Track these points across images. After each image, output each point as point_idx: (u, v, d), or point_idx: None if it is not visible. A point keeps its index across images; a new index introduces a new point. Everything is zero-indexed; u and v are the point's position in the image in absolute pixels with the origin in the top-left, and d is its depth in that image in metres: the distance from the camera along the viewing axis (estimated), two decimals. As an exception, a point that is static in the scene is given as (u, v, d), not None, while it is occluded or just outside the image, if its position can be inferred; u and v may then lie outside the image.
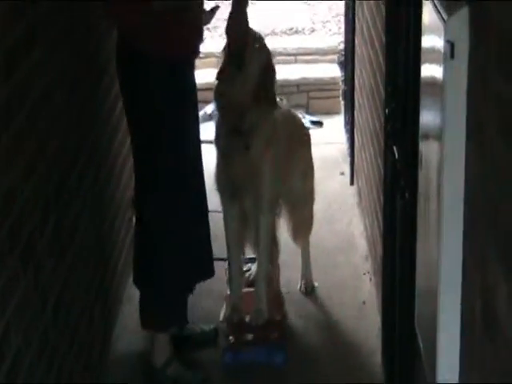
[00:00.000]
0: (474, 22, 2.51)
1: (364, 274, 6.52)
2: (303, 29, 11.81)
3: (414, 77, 3.59)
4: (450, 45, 2.53)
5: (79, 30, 5.00)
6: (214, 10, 5.23)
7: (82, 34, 5.11)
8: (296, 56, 10.91)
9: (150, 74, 4.93)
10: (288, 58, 10.85)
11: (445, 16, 2.58)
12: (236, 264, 5.64)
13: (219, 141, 5.50)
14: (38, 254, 3.98)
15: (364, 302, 6.21)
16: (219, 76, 5.38)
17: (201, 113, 9.30)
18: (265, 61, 5.46)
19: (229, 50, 5.37)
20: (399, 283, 4.25)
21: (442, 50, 2.59)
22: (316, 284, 6.22)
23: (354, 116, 7.99)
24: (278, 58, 10.81)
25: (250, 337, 5.42)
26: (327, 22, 11.09)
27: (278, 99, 5.65)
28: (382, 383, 5.17)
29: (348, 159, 8.17)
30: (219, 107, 5.46)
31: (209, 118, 8.39)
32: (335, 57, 10.05)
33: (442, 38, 2.58)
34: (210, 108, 8.15)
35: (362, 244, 6.91)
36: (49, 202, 4.24)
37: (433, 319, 2.82)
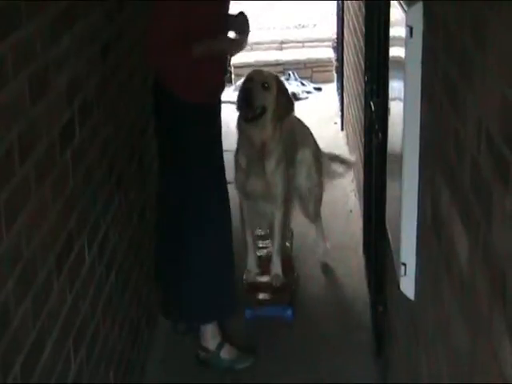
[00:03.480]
0: (426, 12, 2.50)
1: (351, 191, 6.52)
2: (308, 24, 11.76)
3: (384, 54, 3.56)
4: (410, 28, 2.52)
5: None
6: (243, 36, 4.24)
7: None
8: (303, 43, 10.89)
9: (184, 112, 4.09)
10: (297, 44, 10.87)
11: (406, 8, 2.56)
12: (251, 241, 5.09)
13: (240, 157, 4.84)
14: (126, 181, 3.99)
15: (351, 211, 6.22)
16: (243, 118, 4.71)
17: (238, 83, 9.27)
18: (276, 92, 4.67)
19: (242, 95, 4.70)
20: (375, 196, 4.26)
21: (404, 34, 2.57)
22: (328, 246, 5.51)
23: (343, 83, 7.98)
24: (290, 44, 10.89)
25: (265, 297, 4.97)
26: (324, 18, 10.99)
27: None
28: (363, 267, 5.20)
29: (339, 113, 8.17)
30: (242, 137, 4.80)
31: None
32: (330, 43, 10.00)
33: (404, 27, 2.56)
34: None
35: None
36: (133, 146, 4.25)
37: (398, 220, 2.82)
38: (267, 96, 4.67)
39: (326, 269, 5.43)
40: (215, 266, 4.35)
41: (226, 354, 4.47)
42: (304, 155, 5.23)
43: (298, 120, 5.32)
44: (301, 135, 5.24)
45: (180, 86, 4.07)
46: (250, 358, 4.51)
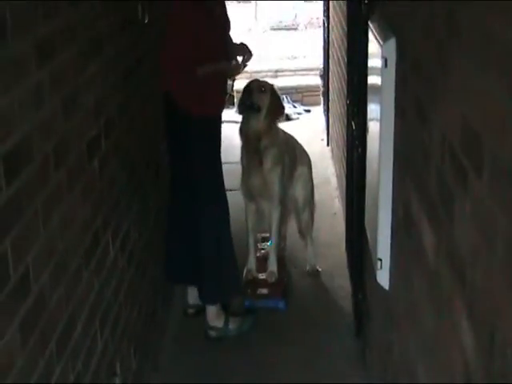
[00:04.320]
0: (398, 46, 2.51)
1: (335, 197, 6.51)
2: (299, 56, 11.81)
3: (363, 81, 3.57)
4: (385, 59, 2.52)
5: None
6: (245, 65, 4.35)
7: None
8: (295, 71, 10.94)
9: (190, 123, 4.14)
10: (290, 73, 10.89)
11: (381, 42, 2.57)
12: (253, 244, 5.07)
13: (243, 159, 4.92)
14: (144, 187, 3.98)
15: (335, 213, 6.19)
16: (242, 118, 4.85)
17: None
18: (270, 94, 4.81)
19: (244, 94, 4.83)
20: (356, 201, 4.26)
21: (380, 64, 2.59)
22: (320, 269, 5.24)
23: (328, 106, 7.98)
24: (284, 72, 10.93)
25: (262, 291, 4.89)
26: (313, 51, 11.02)
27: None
28: (345, 262, 5.19)
29: (325, 131, 8.16)
30: (242, 137, 4.85)
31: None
32: (318, 72, 10.00)
33: (380, 58, 2.57)
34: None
35: (333, 180, 6.89)
36: (150, 158, 4.24)
37: (375, 221, 2.83)
38: (263, 97, 4.80)
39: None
40: (220, 256, 4.36)
41: (233, 324, 4.47)
42: (301, 173, 5.23)
43: (298, 143, 5.33)
44: (300, 155, 5.27)
45: (187, 102, 4.12)
46: (252, 316, 4.56)
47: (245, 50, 4.36)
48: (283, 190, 5.01)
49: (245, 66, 4.37)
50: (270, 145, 4.83)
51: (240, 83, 4.92)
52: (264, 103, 4.80)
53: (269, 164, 4.85)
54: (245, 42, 4.44)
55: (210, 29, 4.09)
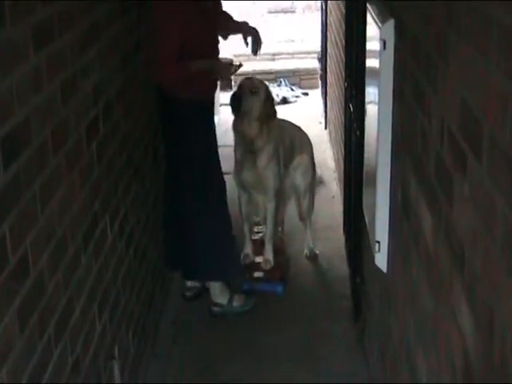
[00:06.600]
0: (396, 28, 2.50)
1: (333, 180, 6.51)
2: (297, 39, 11.77)
3: (361, 64, 3.56)
4: (383, 41, 2.51)
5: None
6: (238, 66, 4.25)
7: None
8: (293, 55, 10.92)
9: (180, 110, 4.16)
10: (288, 56, 10.89)
11: (380, 24, 2.56)
12: (248, 230, 5.08)
13: (236, 152, 4.84)
14: (142, 171, 4.00)
15: (333, 197, 6.20)
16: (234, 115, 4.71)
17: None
18: (263, 97, 4.66)
19: (234, 98, 4.67)
20: (354, 185, 4.26)
21: (378, 46, 2.57)
22: (318, 252, 5.26)
23: (326, 89, 7.98)
24: (282, 56, 10.90)
25: (259, 275, 4.91)
26: (311, 34, 10.99)
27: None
28: (343, 245, 5.20)
29: (323, 114, 8.15)
30: (236, 134, 4.77)
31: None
32: (316, 55, 9.98)
33: (378, 40, 2.56)
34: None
35: (331, 163, 6.90)
36: (149, 142, 4.25)
37: (373, 204, 2.83)
38: (254, 100, 4.65)
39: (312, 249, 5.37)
40: (217, 235, 4.39)
41: (237, 302, 4.54)
42: (301, 159, 5.17)
43: (300, 130, 5.28)
44: (300, 143, 5.19)
45: (174, 87, 4.11)
46: (253, 298, 4.61)
47: (252, 30, 4.34)
48: (279, 183, 4.97)
49: (237, 67, 4.27)
50: (263, 144, 4.75)
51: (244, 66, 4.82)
52: (256, 106, 4.65)
53: (263, 162, 4.80)
54: (255, 27, 4.40)
55: (197, 24, 4.03)
